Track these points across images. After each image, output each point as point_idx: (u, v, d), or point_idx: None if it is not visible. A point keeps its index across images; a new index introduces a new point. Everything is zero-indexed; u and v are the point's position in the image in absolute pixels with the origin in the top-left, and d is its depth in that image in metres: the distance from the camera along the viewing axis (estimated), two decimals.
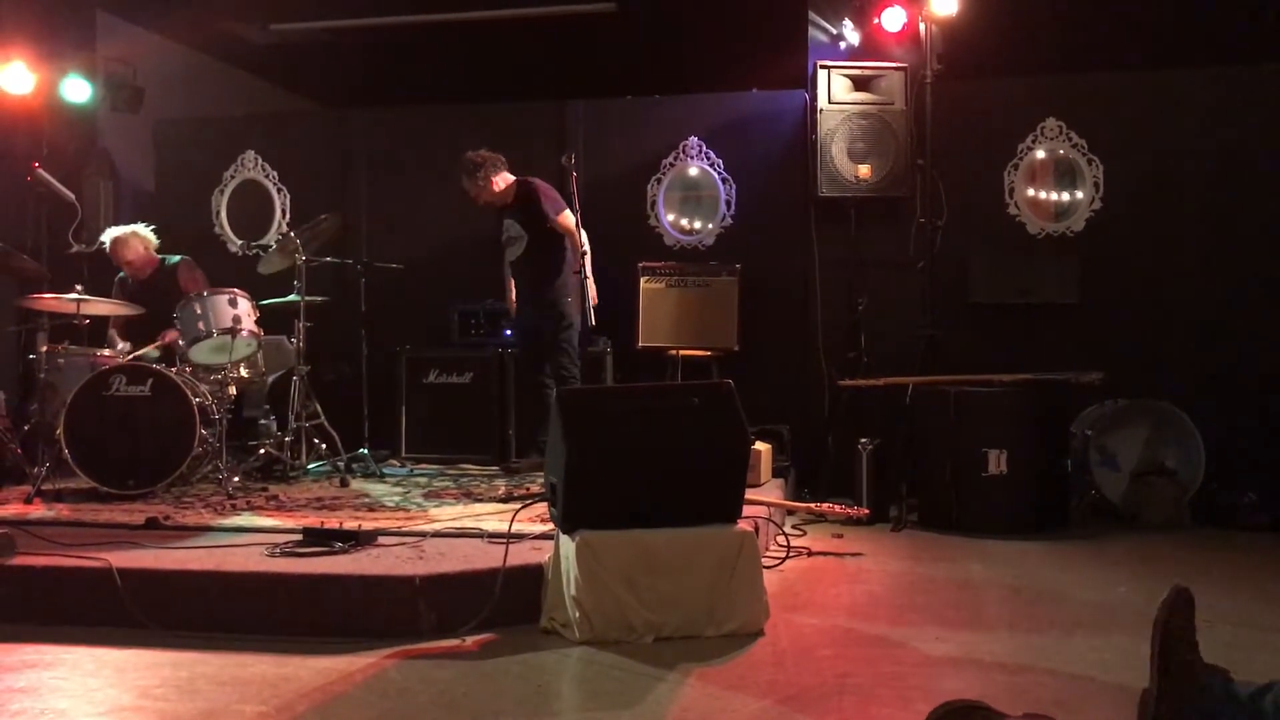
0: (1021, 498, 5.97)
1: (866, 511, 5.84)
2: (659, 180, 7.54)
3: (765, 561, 4.52)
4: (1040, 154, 7.09)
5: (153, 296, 6.44)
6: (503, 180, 6.49)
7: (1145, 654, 2.54)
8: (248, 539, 4.48)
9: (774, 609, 3.99)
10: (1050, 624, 4.10)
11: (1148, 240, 6.90)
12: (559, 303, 6.41)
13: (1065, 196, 7.08)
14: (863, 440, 6.26)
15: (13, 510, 5.19)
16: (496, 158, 6.49)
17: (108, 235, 6.70)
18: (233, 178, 8.14)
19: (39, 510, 5.20)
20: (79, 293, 5.87)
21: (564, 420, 3.96)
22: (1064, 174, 7.08)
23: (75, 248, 7.39)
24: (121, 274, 6.72)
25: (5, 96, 7.51)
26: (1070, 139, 7.05)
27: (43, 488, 5.47)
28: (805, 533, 5.69)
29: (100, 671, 3.46)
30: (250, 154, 8.15)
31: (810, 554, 5.23)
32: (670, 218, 7.51)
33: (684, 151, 7.53)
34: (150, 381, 5.56)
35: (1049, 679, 3.41)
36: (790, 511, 5.99)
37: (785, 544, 5.19)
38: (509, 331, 7.17)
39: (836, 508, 5.75)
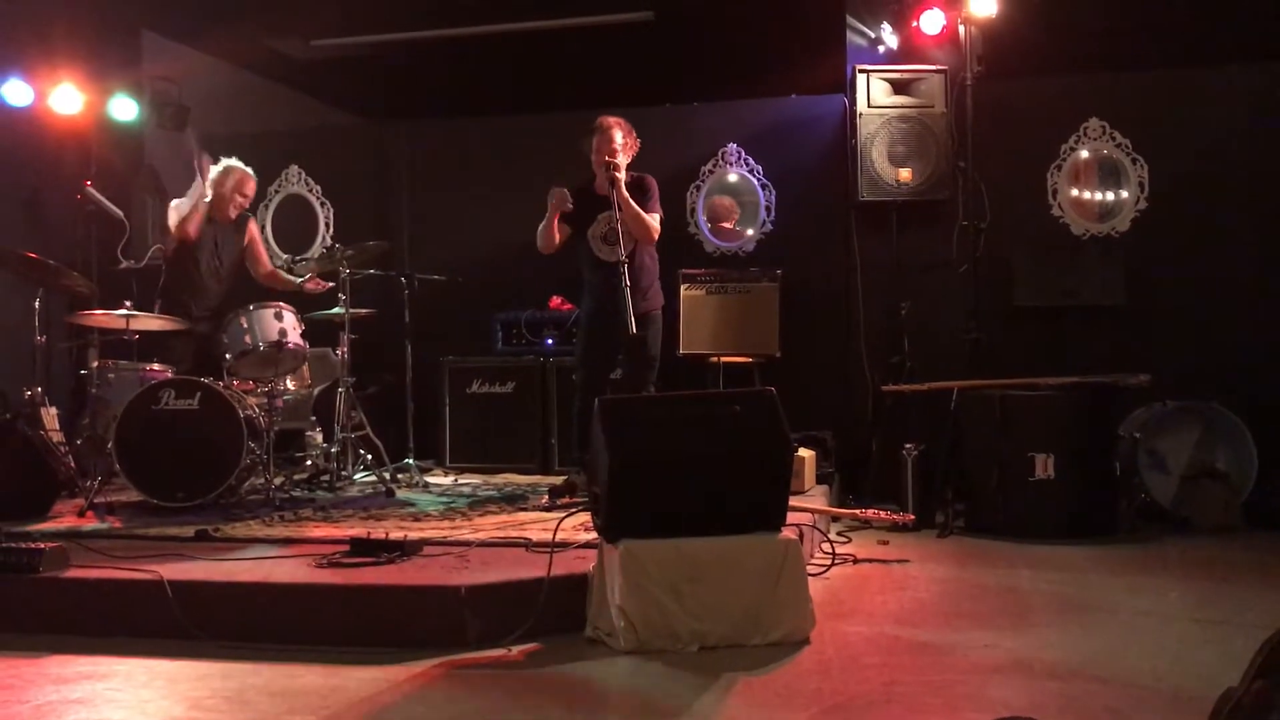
0: (1069, 502, 5.90)
1: (912, 517, 5.80)
2: (698, 187, 7.54)
3: (810, 569, 4.50)
4: (1084, 154, 7.02)
5: (228, 241, 6.55)
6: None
7: (1199, 661, 2.51)
8: (295, 550, 4.53)
9: (820, 617, 3.96)
10: (1101, 630, 4.04)
11: (1195, 239, 6.82)
12: (653, 344, 5.86)
13: (1109, 196, 7.01)
14: (907, 446, 6.22)
15: (66, 523, 5.27)
16: None
17: (229, 169, 6.58)
18: (277, 192, 8.24)
19: (91, 523, 5.29)
20: (128, 308, 5.95)
21: (606, 429, 3.97)
22: (1108, 174, 7.01)
23: (124, 264, 7.50)
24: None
25: (55, 117, 7.66)
26: (1114, 138, 6.97)
27: (95, 501, 5.55)
28: (850, 539, 5.66)
29: (153, 683, 3.51)
30: (294, 169, 8.25)
31: (856, 561, 5.20)
32: (709, 223, 7.51)
33: (723, 158, 7.53)
34: (198, 395, 5.62)
35: (1100, 687, 3.36)
36: (835, 518, 5.95)
37: (830, 551, 5.16)
38: (550, 341, 7.20)
39: (882, 514, 5.71)
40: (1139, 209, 6.93)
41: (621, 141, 5.78)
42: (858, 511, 5.85)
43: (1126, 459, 6.18)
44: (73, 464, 6.04)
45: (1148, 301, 6.74)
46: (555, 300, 7.40)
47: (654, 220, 5.83)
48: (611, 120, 5.84)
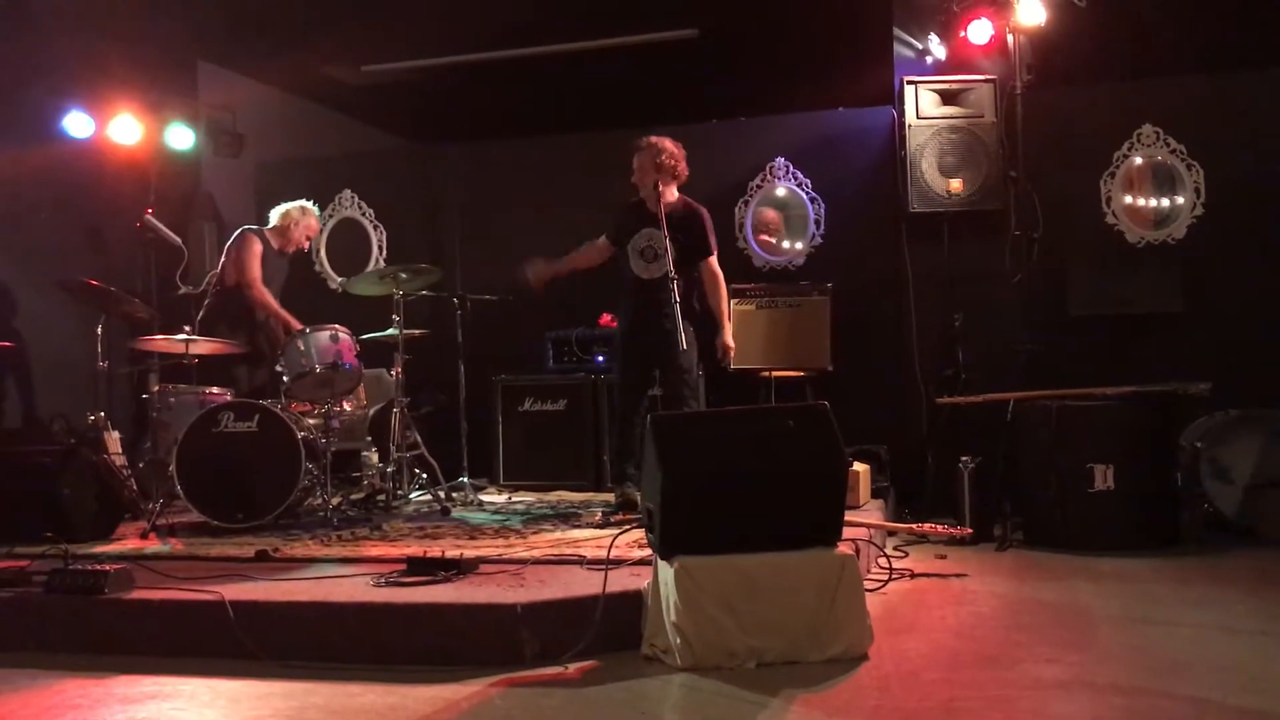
0: (1130, 513, 5.82)
1: (969, 531, 5.75)
2: (746, 202, 7.55)
3: (867, 584, 4.47)
4: (1138, 161, 6.93)
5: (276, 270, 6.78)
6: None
7: (1269, 676, 2.45)
8: (353, 569, 4.56)
9: (877, 632, 3.93)
10: (1165, 644, 3.97)
11: (1253, 245, 6.69)
12: (692, 369, 5.95)
13: (1165, 203, 6.91)
14: (964, 458, 6.15)
15: (130, 545, 5.36)
16: None
17: (306, 210, 6.89)
18: (331, 216, 8.37)
19: (154, 544, 5.37)
20: (187, 333, 6.06)
21: (659, 445, 3.97)
22: (1163, 180, 6.91)
23: (182, 289, 7.64)
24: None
25: (115, 147, 7.83)
26: (1168, 144, 6.88)
27: (157, 523, 5.64)
28: (907, 554, 5.61)
29: (215, 702, 3.56)
30: (347, 193, 8.37)
31: (913, 576, 5.15)
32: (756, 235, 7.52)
33: (771, 172, 7.53)
34: (257, 417, 5.70)
35: (1166, 702, 3.30)
36: (891, 533, 5.91)
37: (887, 566, 5.12)
38: (600, 358, 7.23)
39: (939, 528, 5.66)
40: (1195, 215, 6.83)
41: (663, 161, 5.83)
42: (914, 526, 5.80)
43: (1188, 469, 6.07)
44: (135, 487, 6.15)
45: (1206, 308, 6.63)
46: (605, 318, 7.42)
47: (714, 262, 5.98)
48: (656, 141, 5.89)
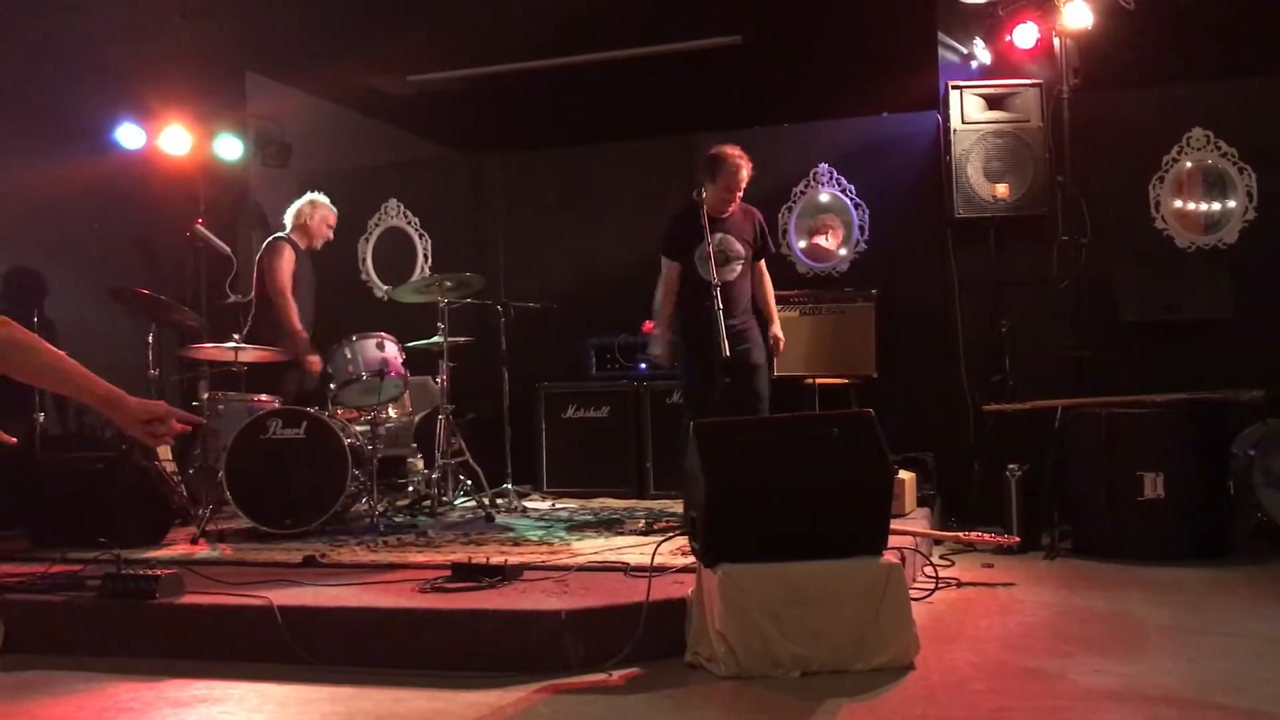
0: (1181, 522, 5.73)
1: (1017, 540, 5.68)
2: (790, 208, 7.53)
3: (913, 593, 4.44)
4: (1187, 165, 6.84)
5: (306, 270, 6.81)
6: None
7: None
8: (399, 575, 4.60)
9: (924, 642, 3.90)
10: (1218, 655, 3.91)
11: None
12: (768, 366, 5.98)
13: (1215, 207, 6.81)
14: (1011, 466, 6.08)
15: (180, 550, 5.44)
16: None
17: (315, 203, 6.89)
18: (376, 225, 8.45)
19: (204, 550, 5.45)
20: (236, 341, 6.14)
21: (702, 453, 3.97)
22: (1213, 184, 6.81)
23: (231, 298, 7.74)
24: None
25: (165, 158, 7.94)
26: (1219, 148, 6.78)
27: (207, 528, 5.72)
28: (954, 563, 5.56)
29: (264, 707, 3.59)
30: (393, 202, 8.45)
31: (960, 584, 5.11)
32: (802, 244, 7.49)
33: (814, 178, 7.51)
34: (304, 424, 5.77)
35: (1219, 715, 3.25)
36: (937, 541, 5.86)
37: (933, 574, 5.08)
38: (643, 365, 7.24)
39: (985, 536, 5.60)
40: (1247, 219, 6.72)
41: (734, 182, 5.79)
42: (961, 534, 5.74)
43: (1241, 478, 5.97)
44: (185, 493, 6.23)
45: (1259, 314, 6.51)
46: (648, 325, 7.41)
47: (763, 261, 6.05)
48: (739, 157, 5.79)
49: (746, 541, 3.87)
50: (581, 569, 4.62)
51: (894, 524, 4.52)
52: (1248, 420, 6.15)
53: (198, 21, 7.70)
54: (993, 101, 6.90)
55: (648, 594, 3.98)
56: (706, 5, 7.90)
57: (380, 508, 5.97)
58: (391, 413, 6.46)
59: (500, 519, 6.19)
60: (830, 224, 7.49)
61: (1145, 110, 6.93)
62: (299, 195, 8.07)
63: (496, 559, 4.59)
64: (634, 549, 5.02)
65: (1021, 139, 6.82)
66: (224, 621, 4.18)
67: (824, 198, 7.49)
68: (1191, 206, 6.86)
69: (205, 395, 6.27)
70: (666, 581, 4.23)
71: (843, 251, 7.43)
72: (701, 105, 8.52)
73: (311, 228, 6.84)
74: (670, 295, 5.90)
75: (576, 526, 5.88)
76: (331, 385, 6.18)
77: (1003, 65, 6.99)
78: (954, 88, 6.90)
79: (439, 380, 6.47)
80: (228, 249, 7.65)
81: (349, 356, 6.17)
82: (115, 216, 7.77)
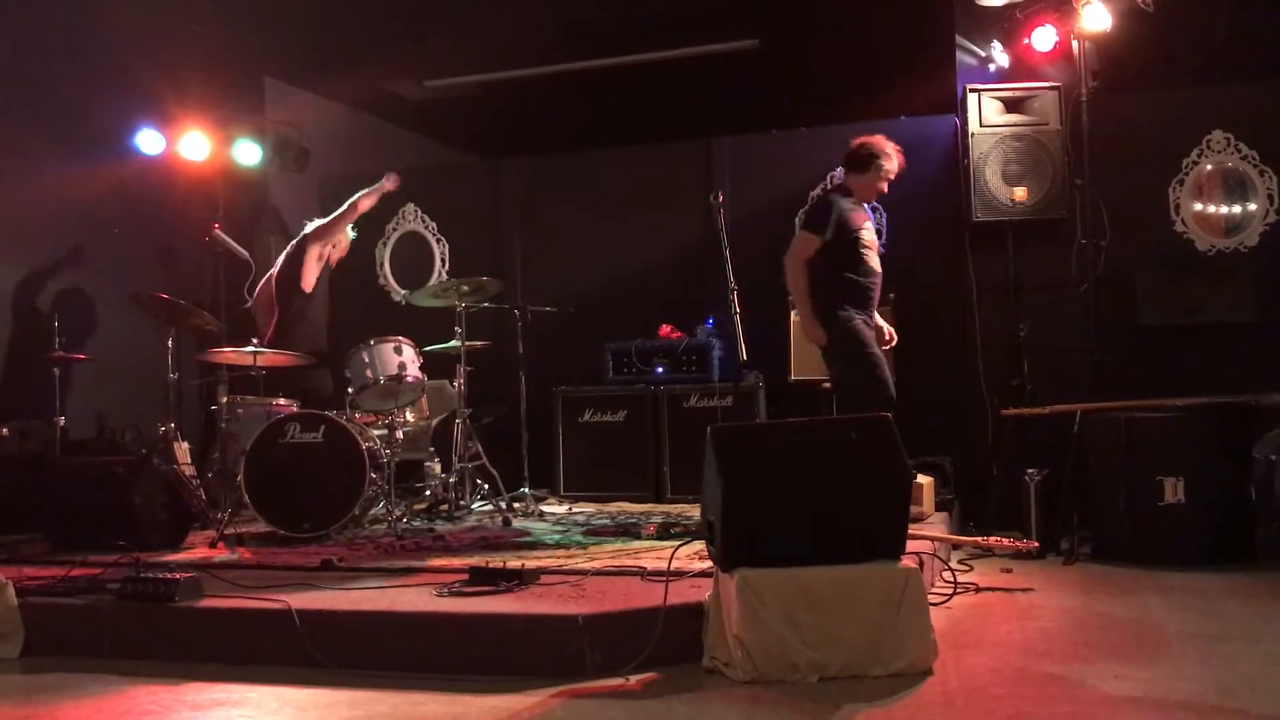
0: (1202, 527, 5.69)
1: (1036, 544, 5.65)
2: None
3: (931, 598, 4.42)
4: (1207, 167, 6.80)
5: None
6: None
7: None
8: (417, 579, 4.61)
9: (942, 647, 3.88)
10: (1240, 661, 3.87)
11: None
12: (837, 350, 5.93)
13: (1236, 210, 6.77)
14: (1029, 471, 6.06)
15: (199, 554, 5.46)
16: None
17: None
18: (394, 230, 8.48)
19: (222, 553, 5.46)
20: (254, 345, 6.16)
21: (719, 457, 3.96)
22: (1234, 187, 6.77)
23: (250, 302, 7.78)
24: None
25: (184, 163, 8.00)
26: (1239, 150, 6.74)
27: (225, 532, 5.74)
28: (972, 568, 5.53)
29: (282, 710, 3.60)
30: (410, 207, 8.47)
31: (978, 590, 5.08)
32: None
33: (831, 182, 7.48)
34: (323, 428, 5.78)
35: None
36: (956, 546, 5.84)
37: (952, 579, 5.06)
38: (660, 369, 7.23)
39: (1004, 541, 5.58)
40: (1268, 222, 6.68)
41: (886, 177, 5.97)
42: (979, 539, 5.72)
43: (1263, 482, 5.92)
44: (204, 496, 6.26)
45: None
46: (665, 329, 7.43)
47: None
48: (894, 149, 5.93)
49: (764, 546, 3.86)
50: (598, 573, 4.62)
51: (912, 528, 4.51)
52: (1269, 424, 6.10)
53: (216, 28, 7.75)
54: (1011, 105, 6.87)
55: (665, 598, 3.97)
56: (724, 9, 7.90)
57: (398, 511, 5.98)
58: (409, 417, 6.48)
59: (517, 523, 6.20)
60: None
61: (1165, 113, 6.89)
62: (317, 200, 8.14)
63: (514, 563, 4.59)
64: (651, 554, 5.02)
65: (1040, 142, 6.79)
66: (242, 625, 4.19)
67: None
68: (1212, 209, 6.82)
69: (224, 399, 6.30)
70: (684, 586, 4.23)
71: None
72: (719, 109, 8.53)
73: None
74: (804, 275, 5.90)
75: (594, 531, 5.88)
76: (349, 389, 6.20)
77: (1021, 68, 6.96)
78: (972, 91, 6.88)
79: (456, 384, 6.48)
80: (246, 254, 7.70)
81: (367, 361, 6.19)
82: (135, 221, 7.83)
